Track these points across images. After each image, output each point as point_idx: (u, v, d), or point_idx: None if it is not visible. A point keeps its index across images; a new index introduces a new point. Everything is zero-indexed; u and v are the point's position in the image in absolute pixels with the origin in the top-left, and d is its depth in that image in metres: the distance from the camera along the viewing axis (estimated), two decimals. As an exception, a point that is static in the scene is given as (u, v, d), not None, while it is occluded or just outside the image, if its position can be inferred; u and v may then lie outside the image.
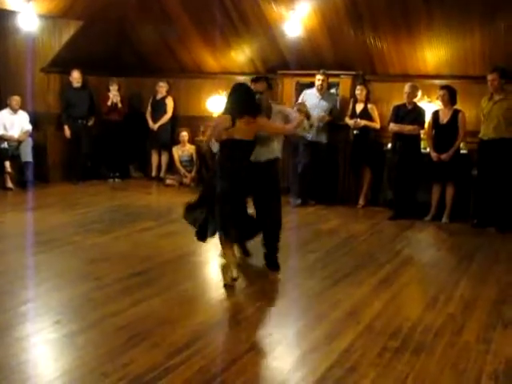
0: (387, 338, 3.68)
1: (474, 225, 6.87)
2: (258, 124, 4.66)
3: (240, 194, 4.72)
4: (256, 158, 4.79)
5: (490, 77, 6.64)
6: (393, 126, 7.24)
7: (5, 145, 8.39)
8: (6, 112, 8.54)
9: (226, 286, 4.57)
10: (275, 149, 4.96)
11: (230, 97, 4.75)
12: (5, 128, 8.48)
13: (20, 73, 8.81)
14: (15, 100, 8.53)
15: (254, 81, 5.27)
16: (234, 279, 4.59)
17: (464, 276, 5.04)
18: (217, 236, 4.79)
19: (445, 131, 6.96)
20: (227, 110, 4.69)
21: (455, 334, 3.77)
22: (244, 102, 4.65)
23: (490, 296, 4.53)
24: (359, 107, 7.80)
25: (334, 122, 7.94)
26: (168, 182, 9.20)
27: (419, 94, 7.34)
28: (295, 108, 5.25)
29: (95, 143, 9.33)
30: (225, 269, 4.76)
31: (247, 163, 4.69)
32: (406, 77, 7.72)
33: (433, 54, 7.54)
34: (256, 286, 4.72)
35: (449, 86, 6.97)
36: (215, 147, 4.97)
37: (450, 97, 6.90)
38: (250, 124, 4.61)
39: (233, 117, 4.56)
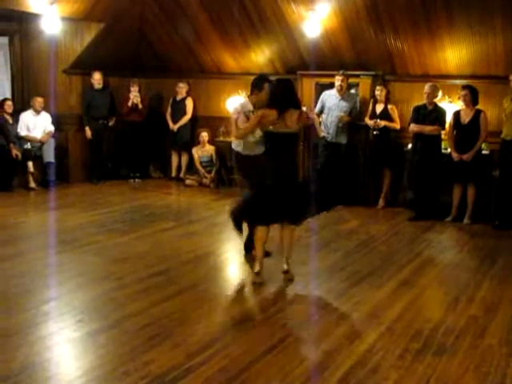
0: (408, 339, 3.66)
1: (496, 226, 6.79)
2: (301, 116, 4.78)
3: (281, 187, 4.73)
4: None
5: (511, 77, 6.56)
6: (413, 127, 7.19)
7: (28, 145, 8.50)
8: (30, 113, 8.66)
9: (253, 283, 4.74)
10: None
11: (277, 91, 4.82)
12: (28, 129, 8.60)
13: (43, 74, 8.92)
14: (38, 101, 8.65)
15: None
16: (257, 273, 4.75)
17: (486, 278, 4.99)
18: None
19: (466, 131, 6.89)
20: (273, 105, 4.73)
21: (477, 336, 3.74)
22: (290, 94, 4.79)
23: (513, 298, 4.49)
24: (379, 108, 7.75)
25: (353, 122, 7.90)
26: (188, 182, 9.23)
27: (440, 94, 7.28)
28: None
29: (116, 144, 9.41)
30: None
31: (291, 158, 4.82)
32: (426, 77, 7.65)
33: (454, 53, 7.46)
34: (276, 286, 4.72)
35: (471, 86, 6.89)
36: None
37: (472, 97, 6.82)
38: (294, 116, 4.70)
39: (279, 110, 4.66)
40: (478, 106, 6.90)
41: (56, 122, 8.86)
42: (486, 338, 3.72)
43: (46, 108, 8.75)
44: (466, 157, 6.86)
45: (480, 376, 3.22)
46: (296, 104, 4.79)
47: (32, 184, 8.47)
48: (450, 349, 3.54)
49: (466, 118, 6.90)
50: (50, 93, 8.75)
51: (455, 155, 6.95)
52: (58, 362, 3.35)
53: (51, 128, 8.75)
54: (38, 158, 8.58)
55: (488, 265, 5.37)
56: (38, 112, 8.66)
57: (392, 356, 3.42)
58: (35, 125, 8.63)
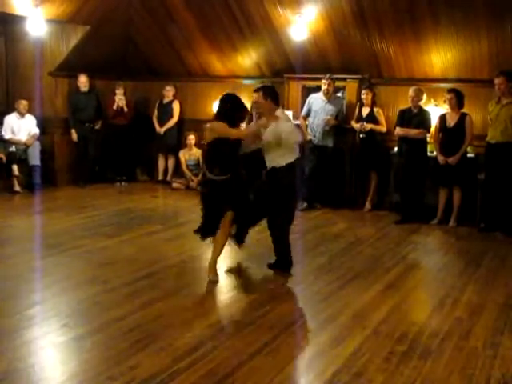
0: (394, 342, 3.68)
1: (481, 229, 6.84)
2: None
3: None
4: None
5: (497, 80, 6.61)
6: (398, 130, 7.23)
7: (13, 148, 8.43)
8: (14, 116, 8.60)
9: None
10: None
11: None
12: (13, 132, 8.54)
13: (28, 77, 8.88)
14: (22, 104, 8.59)
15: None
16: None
17: (471, 280, 5.02)
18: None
19: (452, 135, 6.94)
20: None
21: (462, 339, 3.76)
22: None
23: (498, 300, 4.52)
24: (365, 111, 7.78)
25: (340, 125, 7.93)
26: (175, 185, 9.21)
27: (424, 97, 7.31)
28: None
29: (102, 147, 9.38)
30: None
31: None
32: (412, 80, 7.69)
33: (439, 57, 7.52)
34: (263, 289, 4.73)
35: (456, 90, 6.95)
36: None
37: (458, 100, 6.88)
38: None
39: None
40: (464, 110, 6.96)
41: (42, 124, 8.80)
42: (471, 341, 3.74)
43: (31, 111, 8.70)
44: (451, 160, 6.91)
45: (465, 378, 3.24)
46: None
47: (17, 187, 8.40)
48: (436, 351, 3.56)
49: (451, 122, 6.95)
50: (35, 95, 8.71)
51: (441, 158, 7.00)
52: (43, 366, 3.33)
53: (36, 131, 8.69)
54: (23, 161, 8.51)
55: (473, 267, 5.41)
56: (22, 115, 8.60)
57: (377, 359, 3.43)
58: (20, 128, 8.57)
